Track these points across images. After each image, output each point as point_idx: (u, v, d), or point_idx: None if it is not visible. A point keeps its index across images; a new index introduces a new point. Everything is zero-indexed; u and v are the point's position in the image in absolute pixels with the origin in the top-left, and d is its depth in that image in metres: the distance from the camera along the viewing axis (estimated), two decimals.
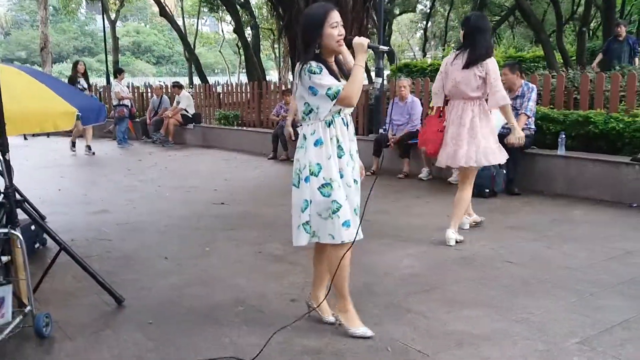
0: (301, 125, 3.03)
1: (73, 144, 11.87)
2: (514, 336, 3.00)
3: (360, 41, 2.88)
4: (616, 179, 5.86)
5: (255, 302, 3.55)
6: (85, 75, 12.17)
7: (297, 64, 2.93)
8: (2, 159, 3.26)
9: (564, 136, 6.29)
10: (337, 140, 2.94)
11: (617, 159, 5.96)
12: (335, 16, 2.86)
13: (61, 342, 3.08)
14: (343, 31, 2.89)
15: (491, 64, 4.52)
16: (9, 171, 3.34)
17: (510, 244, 4.61)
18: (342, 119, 2.97)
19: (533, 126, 6.49)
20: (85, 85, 11.95)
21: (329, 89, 2.81)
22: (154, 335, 3.13)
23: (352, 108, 3.00)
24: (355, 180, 3.03)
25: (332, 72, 2.87)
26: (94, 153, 11.28)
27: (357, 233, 2.95)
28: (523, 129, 6.17)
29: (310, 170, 2.91)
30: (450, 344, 2.93)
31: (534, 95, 6.29)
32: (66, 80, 11.97)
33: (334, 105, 2.85)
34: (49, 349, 3.02)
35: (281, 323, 3.17)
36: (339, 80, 2.88)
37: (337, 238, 2.92)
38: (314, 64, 2.82)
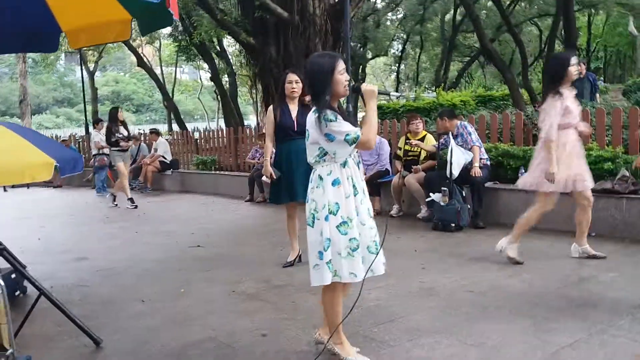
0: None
1: (114, 198, 10.83)
2: (469, 359, 3.20)
3: (370, 88, 3.11)
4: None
5: (226, 339, 3.71)
6: (124, 124, 10.82)
7: (311, 113, 3.09)
8: None
9: (524, 171, 6.59)
10: (352, 180, 3.12)
11: None
12: (342, 63, 3.08)
13: None
14: (348, 77, 3.13)
15: (545, 104, 4.89)
16: None
17: (473, 275, 4.83)
18: (353, 159, 3.16)
19: (484, 156, 6.85)
20: (125, 134, 10.65)
21: (347, 134, 2.97)
22: None
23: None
24: (370, 217, 3.18)
25: (344, 118, 3.05)
26: (136, 206, 10.30)
27: (369, 269, 3.12)
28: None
29: (329, 210, 3.05)
30: None
31: (469, 129, 6.83)
32: (105, 130, 10.91)
33: (353, 149, 3.05)
34: None
35: (250, 358, 3.36)
36: (355, 125, 3.07)
37: (359, 276, 3.09)
38: (329, 112, 2.99)
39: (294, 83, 5.24)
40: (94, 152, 13.16)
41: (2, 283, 3.26)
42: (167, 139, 14.32)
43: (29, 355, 3.34)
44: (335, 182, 3.07)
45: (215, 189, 11.71)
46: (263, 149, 10.29)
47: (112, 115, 10.65)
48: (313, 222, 3.10)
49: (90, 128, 19.58)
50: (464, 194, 6.66)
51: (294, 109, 5.29)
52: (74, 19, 4.33)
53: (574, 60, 4.90)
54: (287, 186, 5.29)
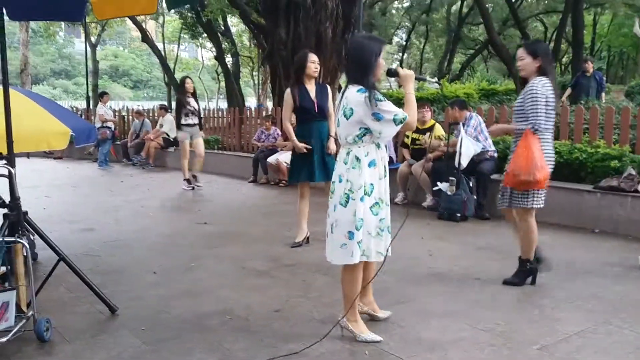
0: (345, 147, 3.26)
1: (188, 181, 9.47)
2: (480, 343, 3.29)
3: (409, 72, 3.27)
4: (579, 206, 6.24)
5: (241, 312, 3.79)
6: (194, 95, 9.55)
7: (354, 92, 3.13)
8: (9, 172, 3.48)
9: None
10: (383, 161, 3.25)
11: (580, 187, 6.34)
12: (385, 48, 3.23)
13: (61, 345, 3.28)
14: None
15: None
16: (14, 184, 3.56)
17: (479, 264, 4.92)
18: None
19: (491, 148, 6.94)
20: (196, 106, 9.45)
21: (395, 115, 3.08)
22: (148, 339, 3.35)
23: None
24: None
25: None
26: (200, 186, 9.44)
27: (388, 250, 3.32)
28: (485, 154, 6.69)
29: (364, 191, 3.14)
30: (422, 350, 3.20)
31: (472, 122, 6.90)
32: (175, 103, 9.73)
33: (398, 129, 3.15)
34: (50, 351, 3.22)
35: (266, 331, 3.45)
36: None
37: (384, 254, 3.27)
38: (378, 93, 3.11)
39: (316, 63, 5.32)
40: (97, 125, 13.14)
41: (27, 246, 3.34)
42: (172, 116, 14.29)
43: (48, 317, 3.40)
44: (371, 164, 3.17)
45: (218, 168, 11.73)
46: (268, 131, 10.38)
47: (180, 85, 9.54)
48: (347, 202, 3.16)
49: (91, 102, 19.63)
50: (471, 185, 6.72)
51: (311, 89, 5.34)
52: None
53: None
54: (307, 167, 5.35)
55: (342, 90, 3.31)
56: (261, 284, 4.41)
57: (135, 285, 4.38)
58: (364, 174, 3.14)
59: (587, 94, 10.23)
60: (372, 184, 3.17)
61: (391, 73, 3.31)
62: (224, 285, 4.36)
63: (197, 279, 4.55)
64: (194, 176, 9.52)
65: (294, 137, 5.39)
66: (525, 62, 4.18)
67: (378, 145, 3.21)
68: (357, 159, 3.16)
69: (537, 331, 3.46)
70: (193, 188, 9.34)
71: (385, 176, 3.25)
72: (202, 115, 9.93)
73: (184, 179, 9.46)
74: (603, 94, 10.59)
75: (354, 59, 3.22)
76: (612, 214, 5.96)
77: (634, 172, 5.94)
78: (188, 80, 9.51)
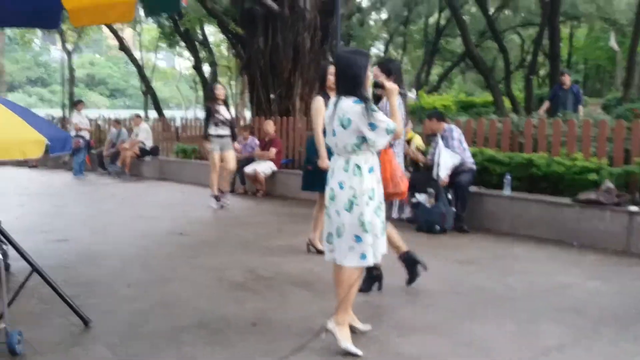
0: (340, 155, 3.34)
1: (217, 198, 8.47)
2: (460, 357, 3.26)
3: (394, 86, 3.51)
4: (558, 219, 6.26)
5: (218, 325, 3.72)
6: (226, 103, 8.53)
7: (351, 103, 3.24)
8: None
9: (509, 177, 6.70)
10: (378, 167, 3.35)
11: (559, 200, 6.37)
12: (370, 62, 3.40)
13: (33, 358, 3.19)
14: None
15: None
16: None
17: (458, 277, 4.90)
18: None
19: (469, 160, 6.91)
20: (227, 116, 8.35)
21: (387, 125, 3.22)
22: (122, 353, 3.26)
23: None
24: None
25: None
26: (227, 204, 8.52)
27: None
28: (464, 166, 6.73)
29: (369, 196, 3.26)
30: None
31: (454, 134, 6.87)
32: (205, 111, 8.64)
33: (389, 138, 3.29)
34: None
35: (243, 345, 3.38)
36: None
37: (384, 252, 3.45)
38: (372, 104, 3.24)
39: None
40: (72, 133, 12.94)
41: (1, 258, 3.24)
42: (147, 125, 14.15)
43: (20, 330, 3.30)
44: (371, 170, 3.30)
45: (195, 178, 11.60)
46: (246, 140, 10.30)
47: (209, 92, 8.68)
48: (351, 207, 3.25)
49: (67, 110, 19.38)
50: (449, 197, 6.73)
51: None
52: None
53: None
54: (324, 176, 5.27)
55: (335, 102, 3.37)
56: (238, 296, 4.34)
57: (109, 298, 4.28)
58: (365, 180, 3.26)
59: (565, 107, 10.28)
60: (373, 189, 3.29)
61: (378, 85, 3.51)
62: (199, 298, 4.28)
63: (172, 291, 4.46)
64: (222, 192, 8.55)
65: (324, 154, 5.22)
66: (380, 80, 4.29)
67: (373, 152, 3.34)
68: (358, 167, 3.27)
69: (516, 345, 3.44)
70: (222, 206, 8.41)
71: (380, 180, 3.42)
72: (234, 125, 8.66)
73: (212, 196, 8.43)
74: (580, 107, 10.65)
75: (345, 73, 3.34)
76: (591, 227, 5.98)
77: (612, 186, 5.97)
78: (219, 86, 8.64)
